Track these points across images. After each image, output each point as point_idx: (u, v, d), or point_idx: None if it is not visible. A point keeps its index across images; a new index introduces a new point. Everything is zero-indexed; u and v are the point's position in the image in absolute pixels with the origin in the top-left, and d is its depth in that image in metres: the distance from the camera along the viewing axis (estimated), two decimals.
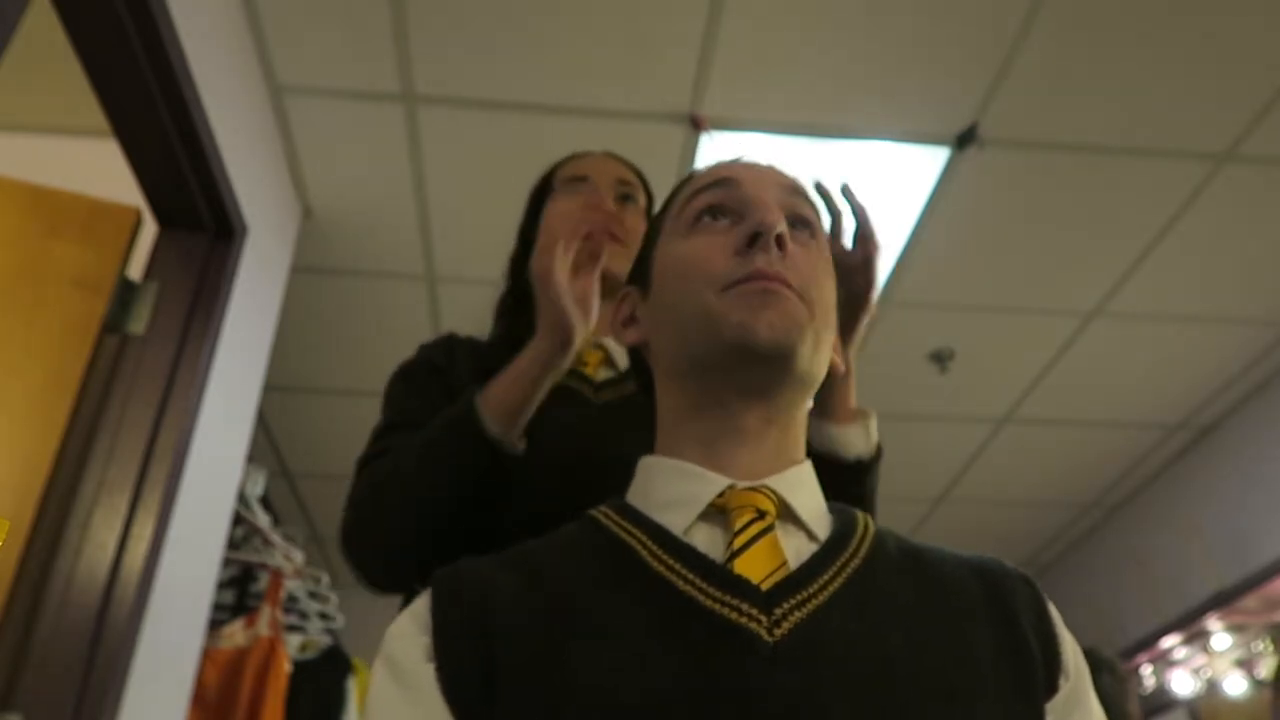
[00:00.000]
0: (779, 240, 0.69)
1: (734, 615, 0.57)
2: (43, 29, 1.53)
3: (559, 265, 0.87)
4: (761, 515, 0.64)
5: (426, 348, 1.08)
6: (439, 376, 1.02)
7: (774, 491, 0.66)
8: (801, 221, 0.75)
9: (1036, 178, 2.30)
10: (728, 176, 0.75)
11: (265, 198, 2.09)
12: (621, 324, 0.80)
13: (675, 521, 0.65)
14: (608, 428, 0.94)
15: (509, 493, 0.87)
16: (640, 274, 0.80)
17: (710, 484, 0.66)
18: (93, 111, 1.61)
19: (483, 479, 0.85)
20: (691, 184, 0.77)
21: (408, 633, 0.61)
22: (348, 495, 0.93)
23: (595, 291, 0.90)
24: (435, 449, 0.86)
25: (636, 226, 1.10)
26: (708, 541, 0.64)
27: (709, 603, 0.58)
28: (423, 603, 0.63)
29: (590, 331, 0.91)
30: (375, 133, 2.17)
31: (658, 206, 0.89)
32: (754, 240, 0.69)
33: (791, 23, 1.95)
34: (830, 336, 0.73)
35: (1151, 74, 2.05)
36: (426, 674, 0.58)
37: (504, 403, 0.86)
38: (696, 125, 2.14)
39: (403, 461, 0.88)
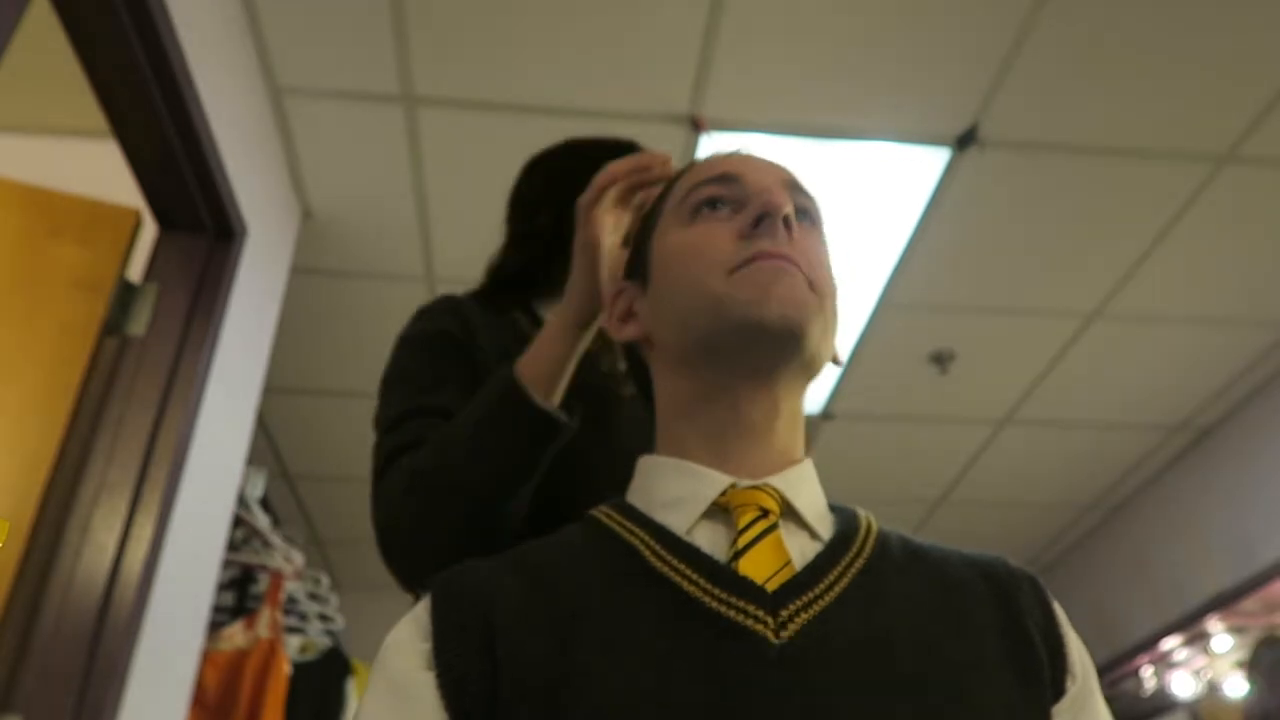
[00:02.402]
0: (785, 222, 0.68)
1: (740, 617, 0.57)
2: (43, 29, 1.53)
3: (605, 229, 0.83)
4: (765, 514, 0.63)
5: (433, 314, 1.01)
6: (459, 349, 0.96)
7: (777, 490, 0.65)
8: (803, 212, 0.73)
9: (1036, 178, 2.30)
10: (729, 171, 0.73)
11: (265, 199, 2.09)
12: (619, 320, 0.78)
13: (677, 521, 0.64)
14: (633, 423, 0.91)
15: (564, 471, 0.83)
16: (637, 268, 0.78)
17: (712, 483, 0.66)
18: (93, 112, 1.61)
19: (538, 455, 0.81)
20: (691, 176, 0.76)
21: (407, 640, 0.60)
22: (381, 493, 0.86)
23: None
24: (485, 431, 0.81)
25: None
26: (710, 541, 0.63)
27: (714, 604, 0.58)
28: (423, 608, 0.61)
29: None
30: (375, 133, 2.17)
31: None
32: (759, 223, 0.68)
33: (792, 23, 1.95)
34: (835, 325, 0.72)
35: (1151, 74, 2.05)
36: (425, 683, 0.57)
37: (541, 374, 0.82)
38: (696, 126, 2.14)
39: (450, 449, 0.82)
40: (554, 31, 1.95)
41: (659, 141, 2.17)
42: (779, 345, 0.66)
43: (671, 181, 0.80)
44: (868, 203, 2.36)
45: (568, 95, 2.08)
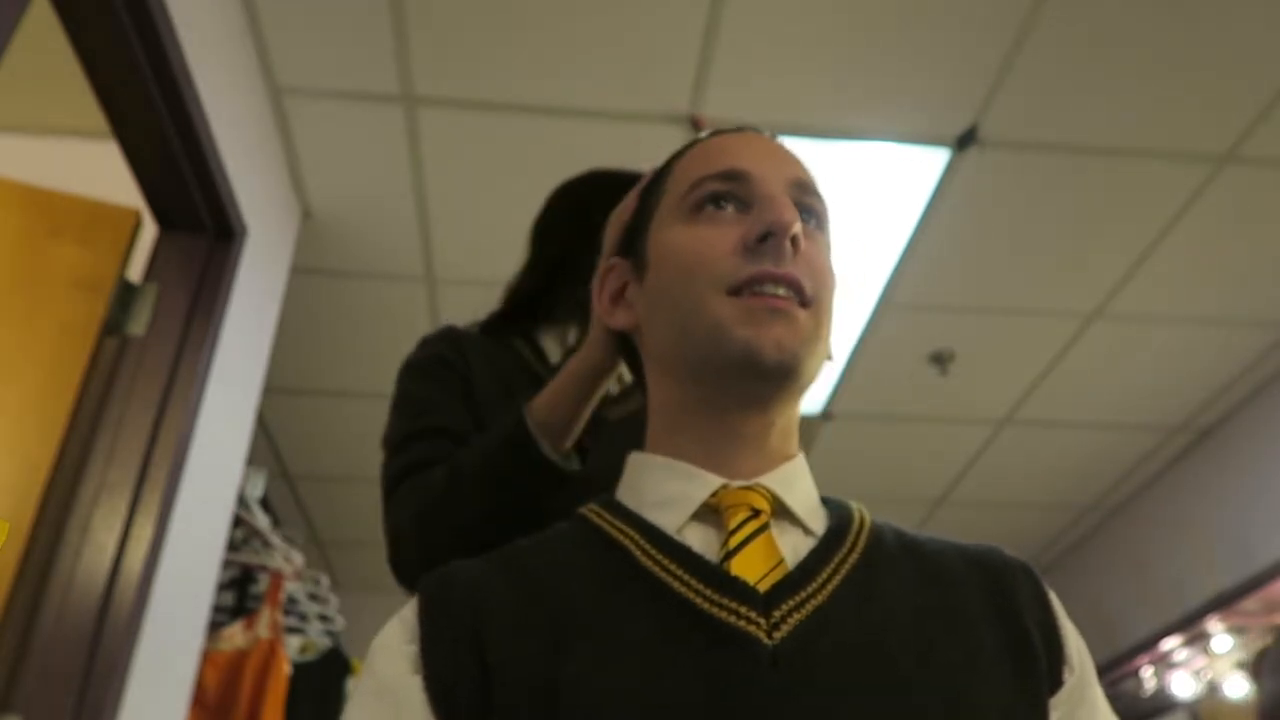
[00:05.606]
0: (793, 239, 0.65)
1: (732, 619, 0.56)
2: (43, 29, 1.53)
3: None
4: (756, 514, 0.63)
5: (433, 342, 1.06)
6: (455, 372, 1.00)
7: (768, 489, 0.65)
8: (810, 213, 0.71)
9: (1036, 178, 2.30)
10: (736, 168, 0.70)
11: (265, 199, 2.09)
12: (609, 299, 0.76)
13: (668, 521, 0.64)
14: (619, 448, 0.92)
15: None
16: (632, 248, 0.75)
17: (703, 483, 0.65)
18: (93, 112, 1.61)
19: (540, 497, 0.84)
20: (695, 163, 0.73)
21: (394, 643, 0.59)
22: (391, 512, 0.92)
23: None
24: (491, 471, 0.85)
25: None
26: (701, 541, 0.62)
27: (706, 606, 0.57)
28: (410, 610, 0.61)
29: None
30: (375, 133, 2.17)
31: None
32: (765, 238, 0.65)
33: (792, 23, 1.95)
34: (830, 331, 0.70)
35: (1151, 74, 2.05)
36: (413, 686, 0.56)
37: (555, 418, 0.84)
38: (696, 126, 2.14)
39: (456, 485, 0.86)
40: (554, 31, 1.95)
41: (659, 142, 2.17)
42: (773, 381, 0.65)
43: (675, 158, 0.77)
44: (868, 203, 2.36)
45: (568, 95, 2.08)
